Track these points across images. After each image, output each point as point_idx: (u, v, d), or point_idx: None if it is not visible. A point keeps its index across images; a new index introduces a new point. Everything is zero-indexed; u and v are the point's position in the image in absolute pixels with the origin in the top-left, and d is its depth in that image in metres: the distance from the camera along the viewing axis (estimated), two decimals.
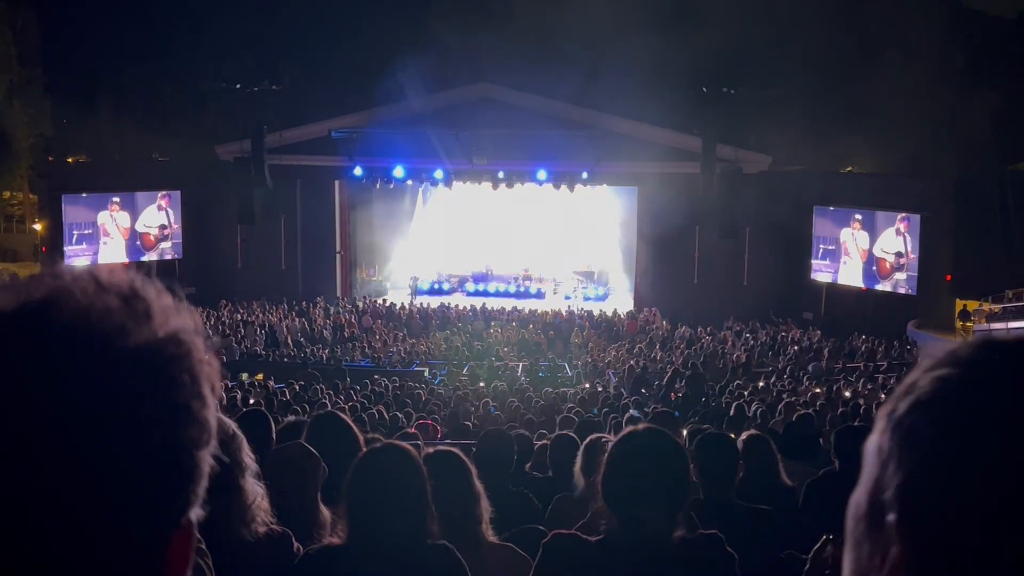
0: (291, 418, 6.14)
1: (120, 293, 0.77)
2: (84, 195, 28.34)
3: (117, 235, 28.87)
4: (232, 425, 2.79)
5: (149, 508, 0.75)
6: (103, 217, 28.55)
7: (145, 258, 28.65)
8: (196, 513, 0.80)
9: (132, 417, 0.73)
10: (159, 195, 29.15)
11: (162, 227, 29.33)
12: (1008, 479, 0.70)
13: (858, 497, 0.81)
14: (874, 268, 26.36)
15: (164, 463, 0.75)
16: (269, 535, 2.78)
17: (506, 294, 31.86)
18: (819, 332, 25.68)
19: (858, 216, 26.53)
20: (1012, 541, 0.69)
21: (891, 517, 0.75)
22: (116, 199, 28.76)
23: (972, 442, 0.72)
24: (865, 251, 26.42)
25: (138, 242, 29.00)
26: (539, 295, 31.96)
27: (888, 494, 0.76)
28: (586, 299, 31.29)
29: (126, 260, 28.08)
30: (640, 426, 2.65)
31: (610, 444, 2.61)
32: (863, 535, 0.80)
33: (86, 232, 28.30)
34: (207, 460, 0.79)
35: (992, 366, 0.75)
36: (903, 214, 25.60)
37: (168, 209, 29.30)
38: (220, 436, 0.82)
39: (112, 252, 28.34)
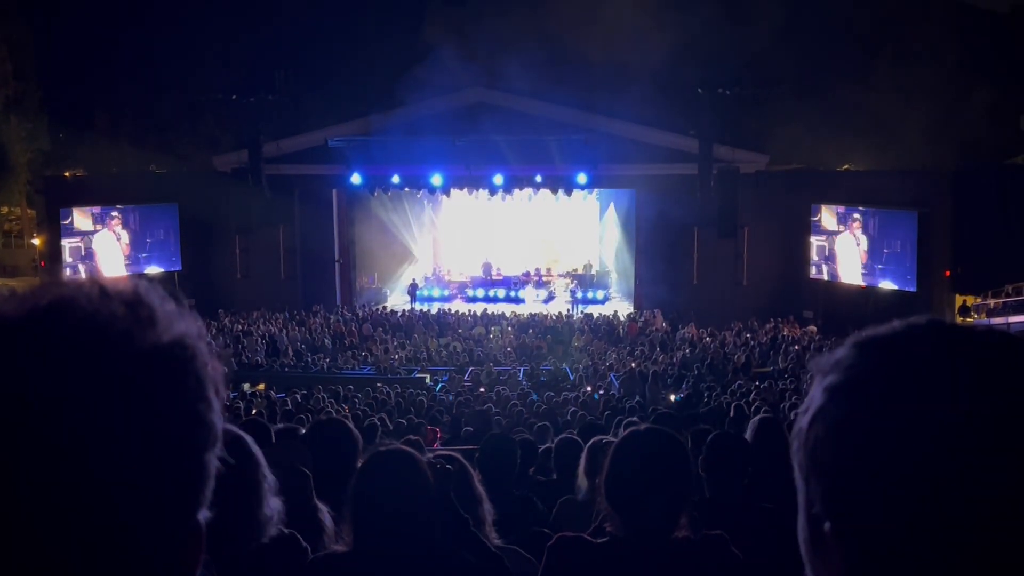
0: (280, 425, 6.09)
1: (125, 300, 0.78)
2: (83, 209, 28.29)
3: (119, 251, 28.84)
4: (235, 429, 2.79)
5: (157, 511, 0.76)
6: (103, 236, 28.50)
7: (147, 271, 28.59)
8: (204, 515, 0.81)
9: (138, 421, 0.74)
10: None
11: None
12: (901, 465, 0.76)
13: (800, 523, 0.87)
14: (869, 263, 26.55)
15: (171, 467, 0.76)
16: (278, 537, 2.78)
17: (495, 299, 31.82)
18: (814, 327, 25.82)
19: (856, 216, 26.54)
20: (922, 518, 0.75)
21: (826, 526, 0.82)
22: (116, 214, 28.72)
23: (864, 440, 0.78)
24: (866, 252, 26.45)
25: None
26: (519, 300, 31.88)
27: (817, 507, 0.83)
28: (584, 301, 31.27)
29: (125, 273, 28.04)
30: (642, 426, 2.66)
31: (613, 444, 2.61)
32: (813, 554, 0.85)
33: (85, 243, 28.26)
34: (214, 463, 0.80)
35: (867, 365, 0.82)
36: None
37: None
38: (228, 439, 0.83)
39: (112, 266, 28.31)
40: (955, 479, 0.74)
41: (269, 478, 2.80)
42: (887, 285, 25.98)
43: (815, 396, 0.84)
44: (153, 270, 28.92)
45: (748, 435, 4.47)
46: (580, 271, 33.98)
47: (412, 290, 31.69)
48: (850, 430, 0.79)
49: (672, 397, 16.56)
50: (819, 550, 0.83)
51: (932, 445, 0.75)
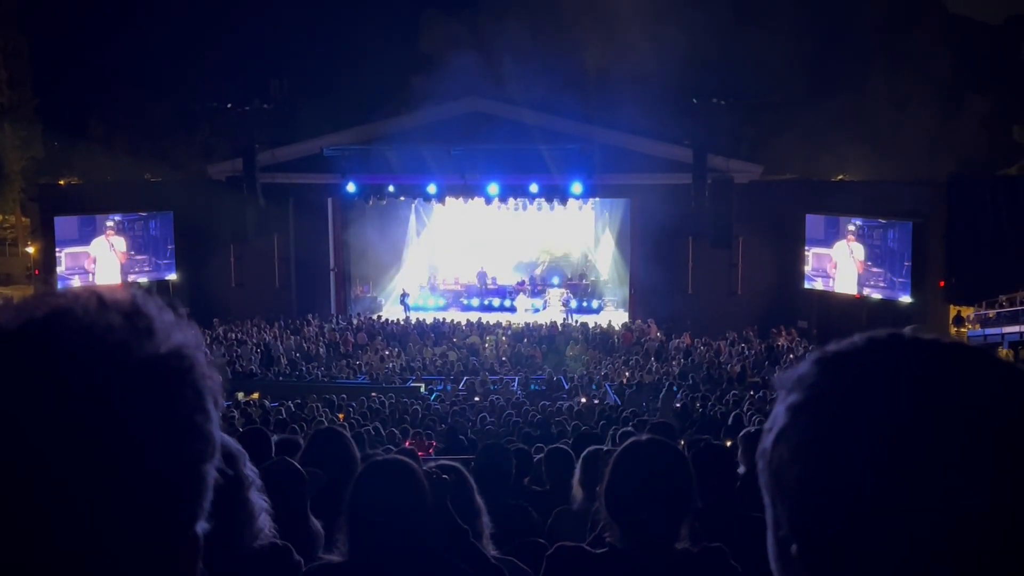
0: (276, 437, 6.07)
1: (122, 310, 0.77)
2: (79, 217, 28.21)
3: (114, 259, 28.75)
4: (234, 442, 2.78)
5: (155, 521, 0.75)
6: (98, 244, 28.42)
7: (142, 280, 28.50)
8: (201, 526, 0.80)
9: (137, 433, 0.73)
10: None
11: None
12: (863, 486, 0.74)
13: (768, 543, 0.86)
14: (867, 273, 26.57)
15: (169, 478, 0.75)
16: (271, 548, 2.76)
17: (490, 307, 31.76)
18: (795, 330, 25.98)
19: (851, 226, 26.55)
20: (886, 540, 0.74)
21: (793, 548, 0.80)
22: (110, 223, 28.65)
23: (826, 462, 0.77)
24: (862, 262, 26.45)
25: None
26: (512, 309, 31.84)
27: (783, 529, 0.81)
28: (579, 311, 31.25)
29: (120, 281, 27.93)
30: (643, 437, 2.65)
31: (613, 454, 2.60)
32: (782, 575, 0.84)
33: (79, 251, 28.18)
34: (212, 473, 0.80)
35: (827, 383, 0.80)
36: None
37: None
38: (223, 451, 0.82)
39: (107, 275, 28.23)
40: (919, 498, 0.72)
41: (258, 483, 2.79)
42: (882, 295, 25.99)
43: (778, 415, 0.82)
44: (148, 278, 28.85)
45: (740, 445, 4.49)
46: (574, 280, 33.98)
47: (403, 300, 31.62)
48: (812, 451, 0.77)
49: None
50: (788, 571, 0.82)
51: (895, 464, 0.73)
